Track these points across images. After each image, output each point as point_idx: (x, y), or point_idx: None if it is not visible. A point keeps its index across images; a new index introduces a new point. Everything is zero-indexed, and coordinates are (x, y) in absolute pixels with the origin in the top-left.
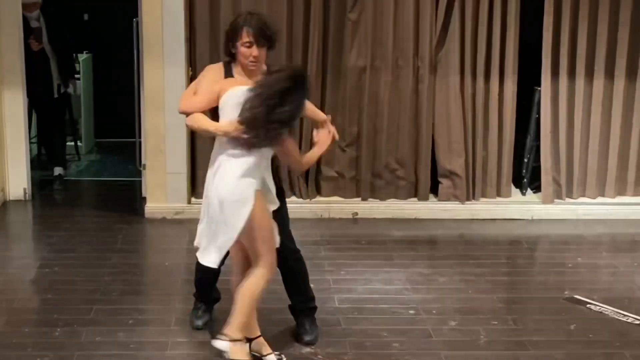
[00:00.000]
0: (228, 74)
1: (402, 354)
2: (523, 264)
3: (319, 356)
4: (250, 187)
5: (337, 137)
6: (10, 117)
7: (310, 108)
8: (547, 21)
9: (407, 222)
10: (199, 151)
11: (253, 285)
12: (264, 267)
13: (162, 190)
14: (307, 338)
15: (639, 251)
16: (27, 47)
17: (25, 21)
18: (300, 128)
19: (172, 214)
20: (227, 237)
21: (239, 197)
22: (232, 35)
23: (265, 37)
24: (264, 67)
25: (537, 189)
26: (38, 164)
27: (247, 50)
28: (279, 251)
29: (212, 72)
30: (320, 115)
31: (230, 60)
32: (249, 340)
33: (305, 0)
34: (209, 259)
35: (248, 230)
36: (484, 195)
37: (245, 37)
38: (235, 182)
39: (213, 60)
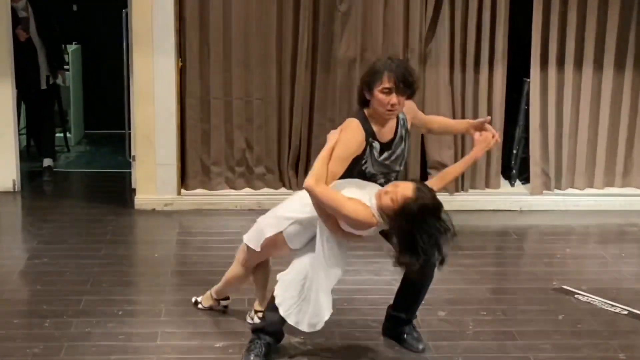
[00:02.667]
0: (369, 133)
1: (392, 345)
2: (512, 255)
3: (308, 346)
4: None
5: (499, 140)
6: None
7: (445, 121)
8: (536, 13)
9: None
10: (188, 143)
11: None
12: None
13: (151, 182)
14: (421, 346)
15: (627, 242)
16: (15, 37)
17: (13, 12)
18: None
19: (162, 206)
20: None
21: None
22: (370, 80)
23: (406, 84)
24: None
25: (525, 180)
26: (27, 156)
27: (385, 97)
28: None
29: (355, 141)
30: (462, 124)
31: (364, 113)
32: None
33: None
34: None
35: None
36: (473, 187)
37: (386, 83)
38: None
39: (202, 51)
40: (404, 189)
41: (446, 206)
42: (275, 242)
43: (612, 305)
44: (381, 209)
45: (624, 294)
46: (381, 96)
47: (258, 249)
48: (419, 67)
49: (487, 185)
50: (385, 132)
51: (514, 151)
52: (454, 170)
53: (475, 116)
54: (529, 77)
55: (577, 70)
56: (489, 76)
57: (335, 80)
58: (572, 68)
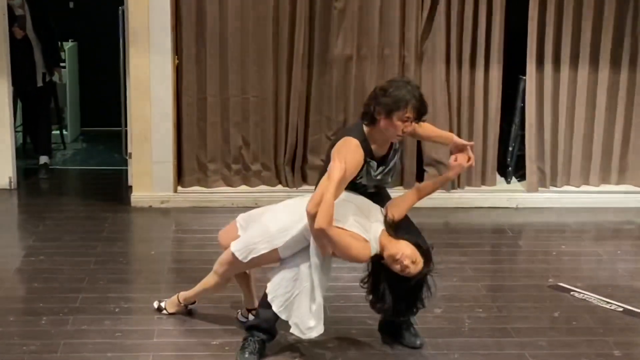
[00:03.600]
0: (367, 153)
1: (388, 341)
2: (507, 252)
3: (303, 343)
4: None
5: (473, 166)
6: None
7: (431, 129)
8: (532, 10)
9: None
10: (185, 140)
11: None
12: None
13: (148, 179)
14: (418, 342)
15: (623, 239)
16: (11, 35)
17: (9, 9)
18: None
19: (158, 203)
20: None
21: None
22: (392, 106)
23: (424, 114)
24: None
25: (521, 177)
26: (23, 153)
27: (402, 125)
28: None
29: (357, 164)
30: (446, 137)
31: (363, 131)
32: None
33: None
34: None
35: None
36: (469, 184)
37: (409, 112)
38: None
39: (199, 49)
40: (417, 269)
41: (443, 203)
42: (267, 257)
43: (608, 303)
44: (385, 260)
45: (619, 291)
46: (399, 123)
47: (246, 261)
48: (415, 65)
49: (483, 183)
50: (382, 149)
51: (510, 148)
52: (428, 187)
53: (471, 114)
54: (524, 75)
55: (573, 68)
56: (485, 73)
57: (331, 78)
58: (568, 66)
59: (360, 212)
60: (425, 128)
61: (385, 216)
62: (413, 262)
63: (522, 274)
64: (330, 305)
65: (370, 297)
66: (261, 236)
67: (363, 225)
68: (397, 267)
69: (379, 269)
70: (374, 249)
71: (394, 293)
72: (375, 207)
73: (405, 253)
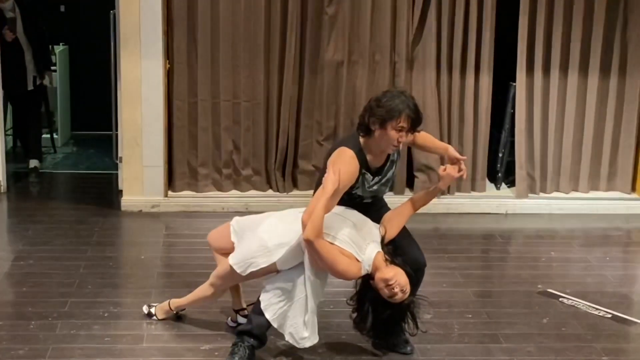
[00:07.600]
0: (363, 165)
1: (378, 347)
2: (497, 258)
3: (293, 349)
4: None
5: (465, 177)
6: None
7: (429, 140)
8: (522, 17)
9: None
10: (175, 144)
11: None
12: None
13: (138, 183)
14: (409, 348)
15: (611, 245)
16: (1, 38)
17: (0, 12)
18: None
19: (149, 207)
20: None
21: None
22: (386, 116)
23: (418, 124)
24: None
25: (511, 183)
26: (13, 157)
27: (397, 134)
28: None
29: (352, 175)
30: (440, 148)
31: (359, 142)
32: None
33: None
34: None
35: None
36: (458, 190)
37: (403, 122)
38: None
39: (190, 53)
40: (403, 297)
41: (432, 209)
42: (265, 270)
43: (596, 309)
44: (375, 282)
45: (608, 297)
46: (393, 133)
47: (245, 275)
48: (405, 70)
49: (473, 189)
50: (378, 160)
51: (500, 154)
52: (421, 199)
53: (461, 119)
54: (514, 81)
55: (563, 75)
56: (475, 79)
57: (322, 83)
58: (558, 72)
59: (356, 230)
60: (423, 138)
61: (383, 238)
62: (402, 291)
63: (512, 280)
64: (320, 311)
65: (354, 315)
66: (259, 250)
67: (357, 244)
68: (385, 292)
69: (366, 289)
70: (365, 270)
71: (376, 316)
72: (373, 226)
73: (398, 281)
